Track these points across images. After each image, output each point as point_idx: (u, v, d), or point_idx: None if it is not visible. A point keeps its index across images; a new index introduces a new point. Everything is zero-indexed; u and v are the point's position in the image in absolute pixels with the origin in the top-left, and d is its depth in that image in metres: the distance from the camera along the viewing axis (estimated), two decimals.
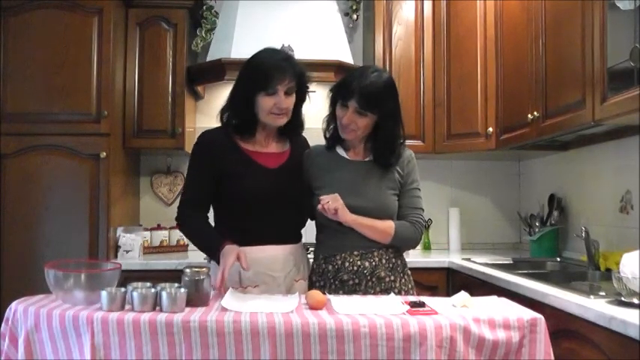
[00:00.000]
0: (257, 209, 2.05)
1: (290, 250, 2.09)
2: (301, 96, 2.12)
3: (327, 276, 2.06)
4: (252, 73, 2.04)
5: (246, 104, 2.04)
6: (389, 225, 2.05)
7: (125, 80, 3.31)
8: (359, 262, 2.04)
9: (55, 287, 1.72)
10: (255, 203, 2.04)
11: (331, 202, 1.95)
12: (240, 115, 2.08)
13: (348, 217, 1.99)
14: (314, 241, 2.17)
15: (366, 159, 2.12)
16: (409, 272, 2.16)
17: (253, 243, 2.03)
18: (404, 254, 2.17)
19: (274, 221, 2.06)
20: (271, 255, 2.05)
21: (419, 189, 2.15)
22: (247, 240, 2.03)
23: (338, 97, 2.05)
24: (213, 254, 2.01)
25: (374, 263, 2.05)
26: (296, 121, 2.15)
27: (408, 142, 2.20)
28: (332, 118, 2.12)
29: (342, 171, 2.09)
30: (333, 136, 2.14)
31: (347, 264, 2.04)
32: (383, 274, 2.05)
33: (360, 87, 1.98)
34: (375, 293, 2.01)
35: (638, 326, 1.49)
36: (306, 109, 2.18)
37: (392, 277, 2.07)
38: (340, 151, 2.14)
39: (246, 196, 2.04)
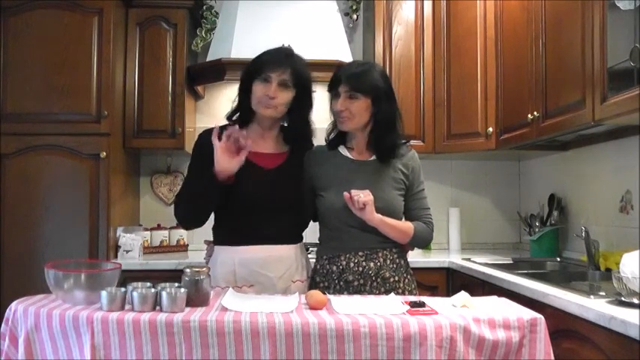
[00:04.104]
0: (253, 209, 2.04)
1: (287, 251, 2.08)
2: (304, 100, 2.08)
3: (331, 277, 2.06)
4: (251, 63, 2.10)
5: (244, 93, 2.08)
6: (409, 226, 2.08)
7: (125, 80, 3.31)
8: (364, 263, 2.04)
9: (55, 287, 1.72)
10: (252, 203, 2.04)
11: (363, 196, 1.91)
12: (239, 104, 2.11)
13: (375, 216, 1.97)
14: (315, 241, 2.17)
15: (370, 158, 2.11)
16: (412, 272, 2.16)
17: (251, 243, 2.03)
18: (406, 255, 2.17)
19: (272, 221, 2.05)
20: (266, 255, 2.04)
21: (424, 189, 2.18)
22: (245, 240, 2.03)
23: (329, 89, 2.08)
24: (212, 178, 1.94)
25: (379, 264, 2.05)
26: (302, 126, 2.12)
27: None
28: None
29: (347, 171, 2.08)
30: (335, 138, 2.14)
31: (352, 264, 2.04)
32: (388, 274, 2.05)
33: (348, 72, 2.05)
34: (379, 294, 2.01)
35: (638, 326, 1.49)
36: None
37: (396, 278, 2.07)
38: (343, 150, 2.14)
39: (241, 196, 2.03)
